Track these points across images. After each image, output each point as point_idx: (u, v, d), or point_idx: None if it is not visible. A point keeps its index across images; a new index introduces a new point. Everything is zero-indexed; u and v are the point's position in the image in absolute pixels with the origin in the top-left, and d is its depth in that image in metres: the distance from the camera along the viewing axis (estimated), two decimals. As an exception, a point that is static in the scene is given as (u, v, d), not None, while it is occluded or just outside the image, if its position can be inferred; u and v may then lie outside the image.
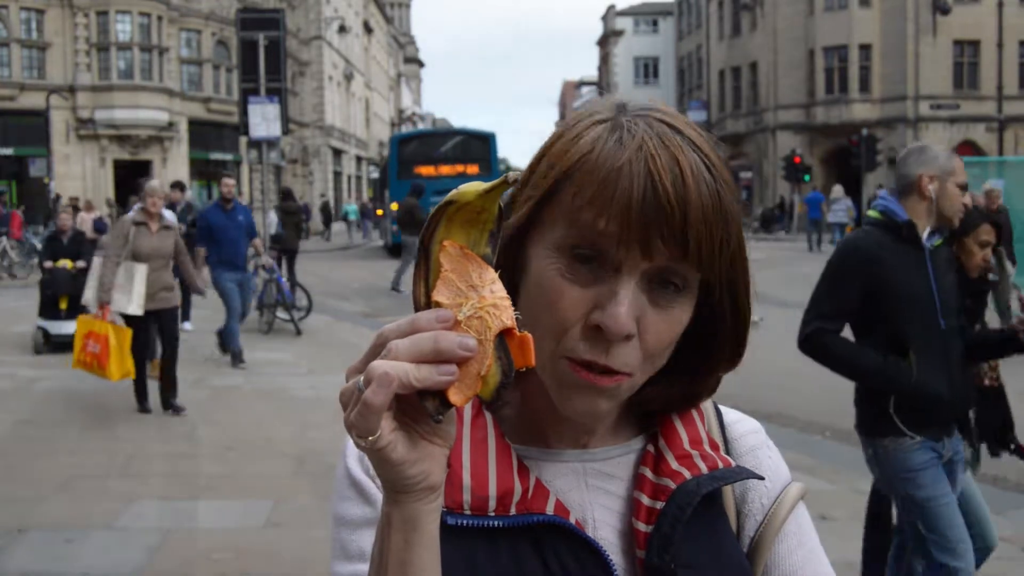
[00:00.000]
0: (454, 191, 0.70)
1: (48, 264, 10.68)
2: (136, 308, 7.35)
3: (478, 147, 21.19)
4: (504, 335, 0.68)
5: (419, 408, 0.67)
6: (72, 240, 11.07)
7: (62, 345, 9.83)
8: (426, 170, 20.04)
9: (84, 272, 9.78)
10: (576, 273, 0.82)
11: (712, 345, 0.91)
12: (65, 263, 10.63)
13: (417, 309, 0.70)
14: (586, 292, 0.82)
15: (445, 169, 19.66)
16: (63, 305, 10.56)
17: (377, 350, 0.67)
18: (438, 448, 0.70)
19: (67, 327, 9.89)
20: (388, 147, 29.21)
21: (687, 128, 0.84)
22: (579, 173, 0.82)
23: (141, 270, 7.37)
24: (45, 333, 10.55)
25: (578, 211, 0.81)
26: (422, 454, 0.69)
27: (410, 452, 0.69)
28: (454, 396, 0.66)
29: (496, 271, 0.71)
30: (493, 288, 0.69)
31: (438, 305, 0.68)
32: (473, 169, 20.14)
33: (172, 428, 7.20)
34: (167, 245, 7.72)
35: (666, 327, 0.83)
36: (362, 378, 0.66)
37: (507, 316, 0.68)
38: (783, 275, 18.21)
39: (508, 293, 0.70)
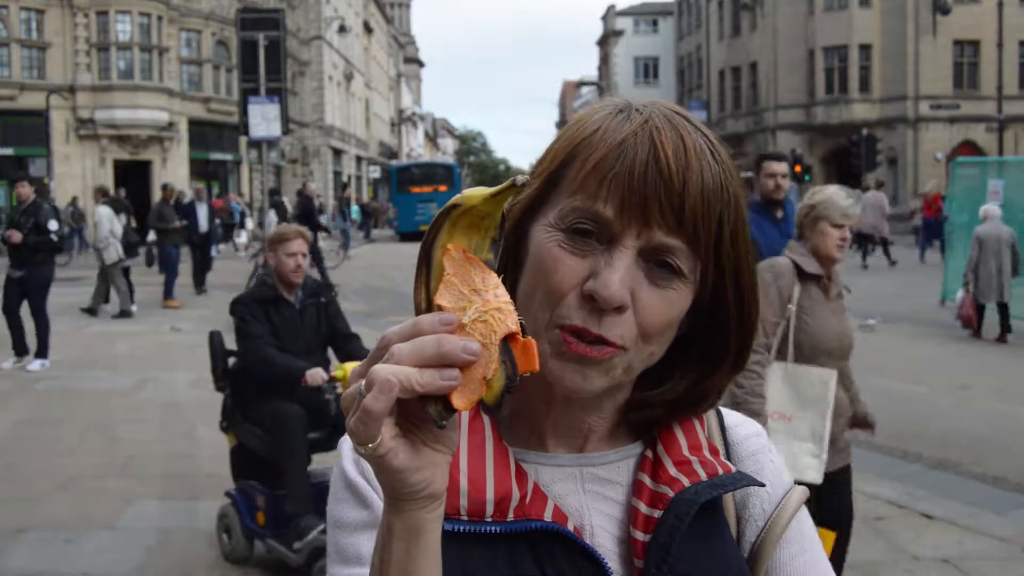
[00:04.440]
0: (458, 195, 0.69)
1: (330, 378, 4.34)
2: (818, 474, 3.34)
3: (445, 172, 36.53)
4: (508, 339, 0.67)
5: (421, 413, 0.66)
6: (319, 310, 4.71)
7: None
8: (414, 188, 35.21)
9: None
10: (574, 244, 0.83)
11: (716, 342, 0.90)
12: (348, 368, 4.38)
13: (418, 314, 0.69)
14: (583, 262, 0.82)
15: (426, 187, 34.69)
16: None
17: (380, 354, 0.66)
18: (440, 455, 0.69)
19: None
20: (389, 174, 45.03)
21: (694, 120, 0.87)
22: (584, 150, 0.84)
23: (830, 383, 3.39)
24: None
25: (581, 183, 0.83)
26: (424, 461, 0.68)
27: (412, 459, 0.67)
28: (458, 401, 0.65)
29: (497, 271, 0.71)
30: (497, 292, 0.68)
31: (440, 309, 0.68)
32: (443, 187, 34.35)
33: (172, 428, 7.19)
34: (845, 328, 3.57)
35: (662, 305, 0.83)
36: (363, 383, 0.64)
37: (512, 320, 0.67)
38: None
39: (510, 272, 0.70)
